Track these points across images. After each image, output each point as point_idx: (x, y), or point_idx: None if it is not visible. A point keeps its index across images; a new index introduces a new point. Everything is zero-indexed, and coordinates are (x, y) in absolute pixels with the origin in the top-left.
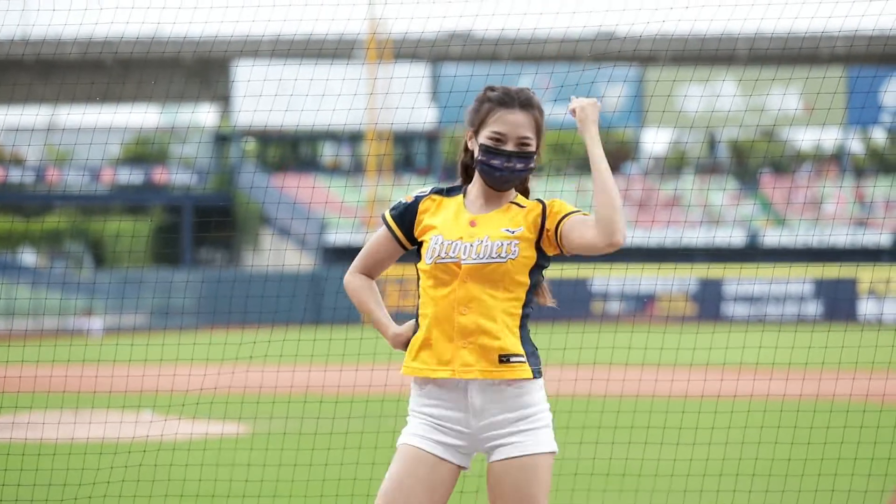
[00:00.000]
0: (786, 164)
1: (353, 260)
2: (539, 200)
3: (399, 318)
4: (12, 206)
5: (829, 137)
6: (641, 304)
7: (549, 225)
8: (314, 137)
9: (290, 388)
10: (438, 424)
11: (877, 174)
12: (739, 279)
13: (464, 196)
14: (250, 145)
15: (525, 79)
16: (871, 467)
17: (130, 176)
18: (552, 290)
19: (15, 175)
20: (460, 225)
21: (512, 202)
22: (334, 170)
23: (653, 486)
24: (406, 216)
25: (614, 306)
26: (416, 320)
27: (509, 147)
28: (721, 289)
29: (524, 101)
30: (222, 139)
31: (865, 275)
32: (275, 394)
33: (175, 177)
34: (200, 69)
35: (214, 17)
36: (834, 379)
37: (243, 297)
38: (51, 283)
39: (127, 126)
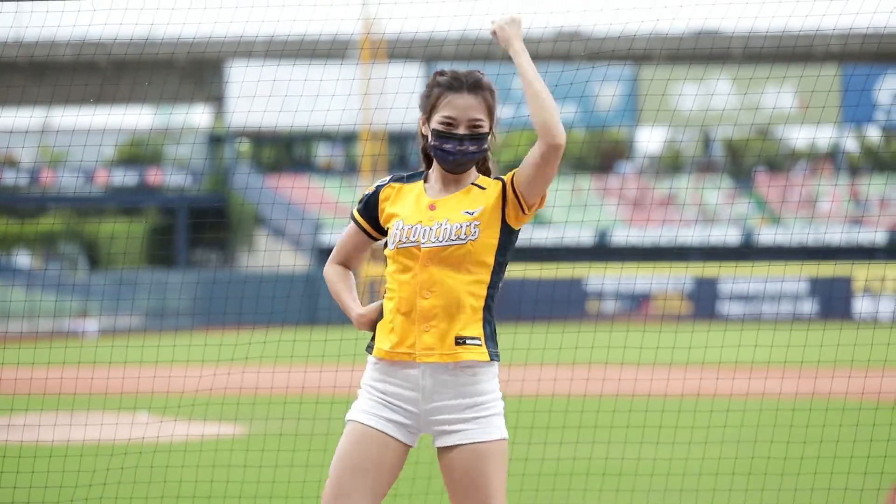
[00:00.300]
0: (780, 162)
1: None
2: (499, 178)
3: None
4: (6, 208)
5: (823, 135)
6: (637, 304)
7: (508, 190)
8: (308, 138)
9: (285, 388)
10: (388, 401)
11: (871, 172)
12: (734, 278)
13: (424, 181)
14: (244, 146)
15: (519, 79)
16: (868, 465)
17: (125, 177)
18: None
19: (9, 177)
20: (420, 209)
21: (473, 184)
22: (328, 170)
23: (649, 486)
24: (369, 207)
25: (609, 305)
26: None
27: (461, 130)
28: (716, 287)
29: (473, 84)
30: (216, 140)
31: (861, 273)
32: (270, 395)
33: (169, 178)
34: (194, 70)
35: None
36: (830, 377)
37: (238, 298)
38: (45, 285)
39: (121, 127)
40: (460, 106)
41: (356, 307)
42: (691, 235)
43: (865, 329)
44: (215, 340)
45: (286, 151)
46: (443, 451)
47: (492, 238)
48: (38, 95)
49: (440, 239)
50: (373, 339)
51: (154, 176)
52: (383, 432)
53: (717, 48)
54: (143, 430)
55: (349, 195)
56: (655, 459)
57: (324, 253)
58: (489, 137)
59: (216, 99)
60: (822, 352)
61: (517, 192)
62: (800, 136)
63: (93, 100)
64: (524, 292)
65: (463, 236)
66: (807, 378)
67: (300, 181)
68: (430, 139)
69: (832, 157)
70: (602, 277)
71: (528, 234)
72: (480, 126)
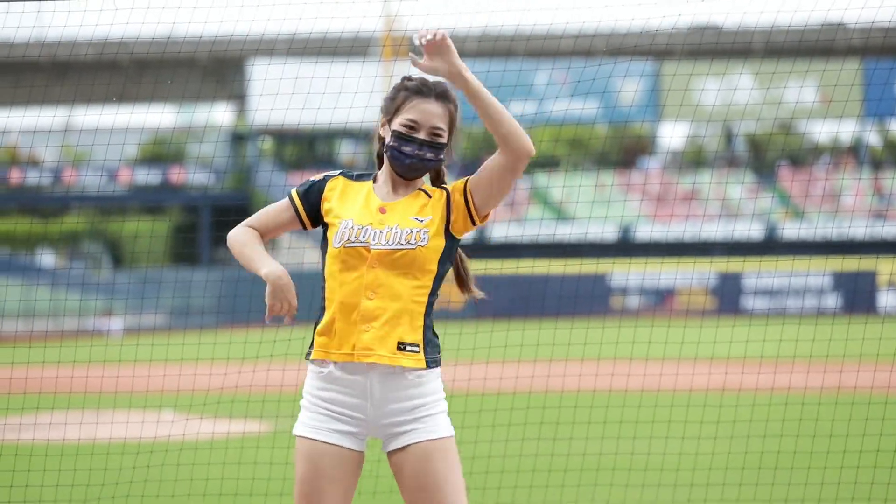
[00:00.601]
0: (803, 156)
1: None
2: (443, 188)
3: None
4: (30, 208)
5: (846, 130)
6: (661, 299)
7: (457, 199)
8: (331, 136)
9: None
10: (333, 411)
11: (895, 166)
12: (759, 272)
13: (373, 182)
14: (267, 144)
15: (541, 74)
16: (894, 459)
17: (148, 176)
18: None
19: (32, 177)
20: (370, 211)
21: (420, 189)
22: (351, 168)
23: (675, 481)
24: (311, 193)
25: (634, 301)
26: (322, 304)
27: (421, 135)
28: (740, 282)
29: (440, 93)
30: (239, 138)
31: (885, 267)
32: (296, 392)
33: (192, 176)
34: (216, 69)
35: (230, 17)
36: (855, 371)
37: (262, 296)
38: (70, 285)
39: (143, 126)
40: (425, 111)
41: (270, 261)
42: (715, 230)
43: (890, 323)
44: (240, 338)
45: (309, 149)
46: (392, 454)
47: (437, 245)
48: (61, 95)
49: (390, 242)
50: (311, 346)
51: (177, 174)
52: (336, 445)
53: (738, 43)
54: (168, 428)
55: None
56: (681, 454)
57: None
58: (446, 150)
59: (238, 97)
60: (847, 346)
61: (470, 202)
62: (822, 131)
63: (115, 99)
64: (548, 288)
65: (413, 241)
66: (832, 372)
67: None
68: (388, 140)
69: (855, 152)
70: (626, 273)
71: (552, 231)
72: (440, 135)
